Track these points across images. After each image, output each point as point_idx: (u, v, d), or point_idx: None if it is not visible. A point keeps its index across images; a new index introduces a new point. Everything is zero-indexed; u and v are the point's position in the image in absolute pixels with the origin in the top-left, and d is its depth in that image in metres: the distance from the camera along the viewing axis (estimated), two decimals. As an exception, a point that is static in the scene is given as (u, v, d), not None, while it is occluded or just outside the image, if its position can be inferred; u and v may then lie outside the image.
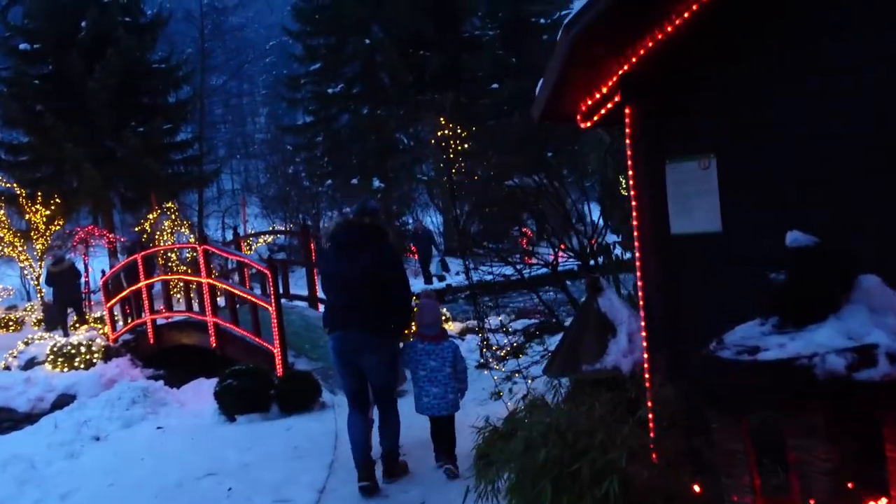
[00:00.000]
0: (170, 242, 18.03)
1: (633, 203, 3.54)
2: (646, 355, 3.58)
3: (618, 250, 7.19)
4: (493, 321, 11.05)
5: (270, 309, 8.78)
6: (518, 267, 6.97)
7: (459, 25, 27.88)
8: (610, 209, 6.80)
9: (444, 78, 26.51)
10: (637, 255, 3.57)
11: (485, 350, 7.51)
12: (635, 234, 3.57)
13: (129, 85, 20.74)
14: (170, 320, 11.34)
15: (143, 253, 11.48)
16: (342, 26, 25.64)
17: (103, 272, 13.32)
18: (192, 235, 19.32)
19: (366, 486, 5.04)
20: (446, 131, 6.27)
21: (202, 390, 9.48)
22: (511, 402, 6.77)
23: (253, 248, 20.41)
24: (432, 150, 29.48)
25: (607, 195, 6.41)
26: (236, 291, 9.74)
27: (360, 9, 25.17)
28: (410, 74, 25.60)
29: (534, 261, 6.96)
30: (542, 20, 31.19)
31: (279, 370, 8.68)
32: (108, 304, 12.52)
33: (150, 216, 19.49)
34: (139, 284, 11.49)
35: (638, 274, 3.57)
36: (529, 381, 6.35)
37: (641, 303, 3.57)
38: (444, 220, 29.85)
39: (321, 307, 11.78)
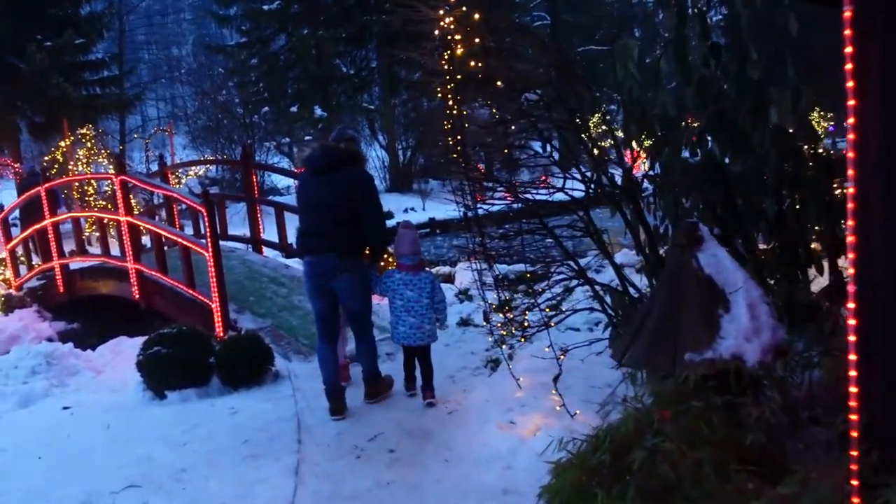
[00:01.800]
0: (86, 173, 15.86)
1: (853, 105, 2.07)
2: (852, 349, 2.16)
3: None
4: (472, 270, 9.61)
5: (206, 254, 7.13)
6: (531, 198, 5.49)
7: (408, -60, 25.58)
8: (637, 135, 5.29)
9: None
10: (851, 190, 2.11)
11: (485, 303, 6.07)
12: (850, 155, 2.10)
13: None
14: (84, 265, 9.52)
15: (46, 185, 9.53)
16: (279, -64, 23.12)
17: (1, 207, 11.28)
18: (111, 166, 17.17)
19: (339, 420, 5.14)
20: (449, 21, 4.64)
21: (123, 352, 7.83)
22: (522, 377, 5.38)
23: (181, 181, 18.35)
24: (378, 78, 27.50)
25: (634, 117, 4.89)
26: (163, 232, 7.99)
27: (298, -84, 22.70)
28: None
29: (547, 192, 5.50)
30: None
31: (219, 331, 7.08)
32: (9, 245, 10.58)
33: (62, 144, 17.17)
34: (45, 222, 9.59)
35: (850, 224, 2.12)
36: (561, 357, 4.91)
37: (851, 256, 2.14)
38: (389, 156, 28.05)
39: (266, 251, 10.11)
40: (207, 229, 7.15)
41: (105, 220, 9.84)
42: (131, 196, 15.38)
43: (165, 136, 22.06)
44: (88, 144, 17.33)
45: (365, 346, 5.38)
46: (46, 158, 17.15)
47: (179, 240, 7.67)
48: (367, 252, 5.23)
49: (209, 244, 7.10)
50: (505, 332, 5.79)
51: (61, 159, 16.83)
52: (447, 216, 23.21)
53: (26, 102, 18.54)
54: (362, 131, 30.51)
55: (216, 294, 7.16)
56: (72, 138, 17.16)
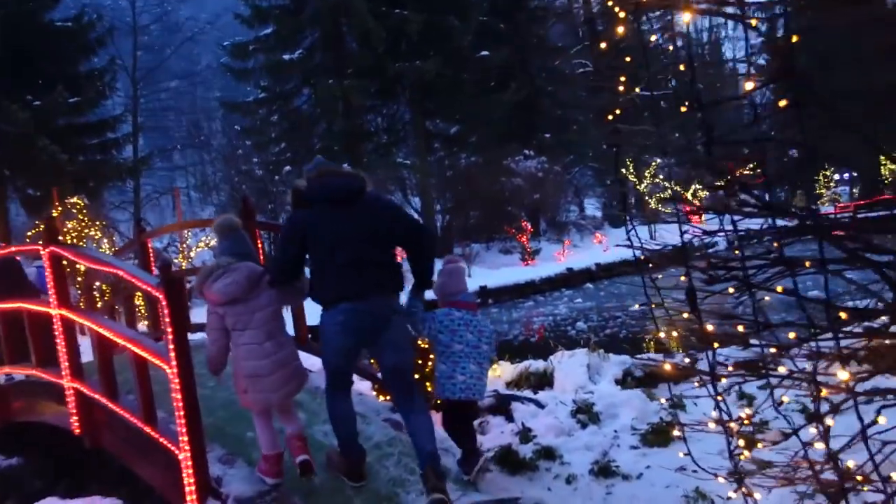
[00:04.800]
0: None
1: None
2: None
3: None
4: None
5: (168, 369, 4.20)
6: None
7: (439, -20, 23.31)
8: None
9: (423, 44, 21.95)
10: None
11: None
12: None
13: (22, 47, 15.78)
14: (14, 379, 6.62)
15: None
16: (299, -19, 20.90)
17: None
18: (105, 240, 14.57)
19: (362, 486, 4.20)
20: None
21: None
22: None
23: (191, 254, 15.67)
24: (411, 132, 24.90)
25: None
26: (105, 332, 5.03)
27: (320, -40, 20.48)
28: (384, 39, 20.96)
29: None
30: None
31: (191, 501, 4.09)
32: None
33: (53, 215, 14.59)
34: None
35: None
36: None
37: None
38: (426, 217, 25.23)
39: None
40: (169, 327, 4.21)
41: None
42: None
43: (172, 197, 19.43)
44: (80, 216, 14.76)
45: (426, 416, 4.23)
46: (29, 234, 14.58)
47: (128, 344, 4.71)
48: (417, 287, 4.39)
49: (172, 352, 4.17)
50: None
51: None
52: (500, 283, 20.27)
53: (13, 170, 16.10)
54: (394, 194, 27.97)
55: (185, 437, 4.18)
56: (60, 209, 14.61)
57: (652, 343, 11.20)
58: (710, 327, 2.37)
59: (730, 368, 2.39)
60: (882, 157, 32.84)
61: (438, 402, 4.68)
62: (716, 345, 2.39)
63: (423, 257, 4.26)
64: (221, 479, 4.38)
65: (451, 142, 26.49)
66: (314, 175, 4.20)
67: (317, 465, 4.40)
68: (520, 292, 19.23)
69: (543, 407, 5.49)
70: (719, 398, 2.37)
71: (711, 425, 2.48)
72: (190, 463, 4.19)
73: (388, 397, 5.88)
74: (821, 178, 33.73)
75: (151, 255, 8.01)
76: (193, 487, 4.19)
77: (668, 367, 2.92)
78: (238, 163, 23.92)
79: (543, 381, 6.61)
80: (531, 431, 5.17)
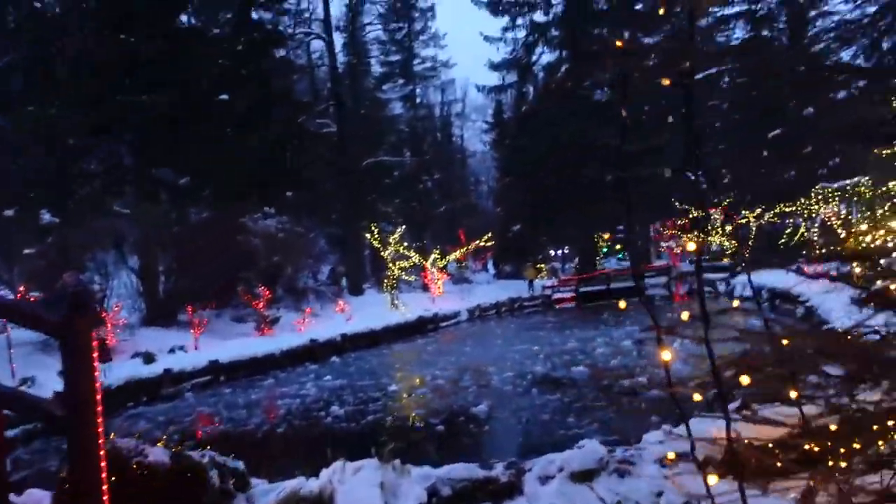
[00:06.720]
0: None
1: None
2: None
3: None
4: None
5: None
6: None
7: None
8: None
9: (159, 72, 18.98)
10: None
11: None
12: None
13: None
14: None
15: None
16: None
17: None
18: None
19: None
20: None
21: None
22: None
23: None
24: (133, 178, 21.36)
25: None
26: None
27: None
28: (117, 65, 17.76)
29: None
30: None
31: None
32: None
33: None
34: None
35: None
36: None
37: None
38: (145, 280, 21.56)
39: None
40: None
41: None
42: None
43: None
44: None
45: None
46: None
47: None
48: None
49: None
50: None
51: None
52: (234, 356, 17.32)
53: None
54: (108, 251, 23.90)
55: None
56: None
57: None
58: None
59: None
60: (596, 235, 36.45)
61: None
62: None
63: None
64: None
65: (180, 193, 23.34)
66: None
67: None
68: (258, 367, 16.60)
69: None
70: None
71: None
72: None
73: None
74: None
75: None
76: None
77: None
78: None
79: (320, 509, 4.43)
80: None
